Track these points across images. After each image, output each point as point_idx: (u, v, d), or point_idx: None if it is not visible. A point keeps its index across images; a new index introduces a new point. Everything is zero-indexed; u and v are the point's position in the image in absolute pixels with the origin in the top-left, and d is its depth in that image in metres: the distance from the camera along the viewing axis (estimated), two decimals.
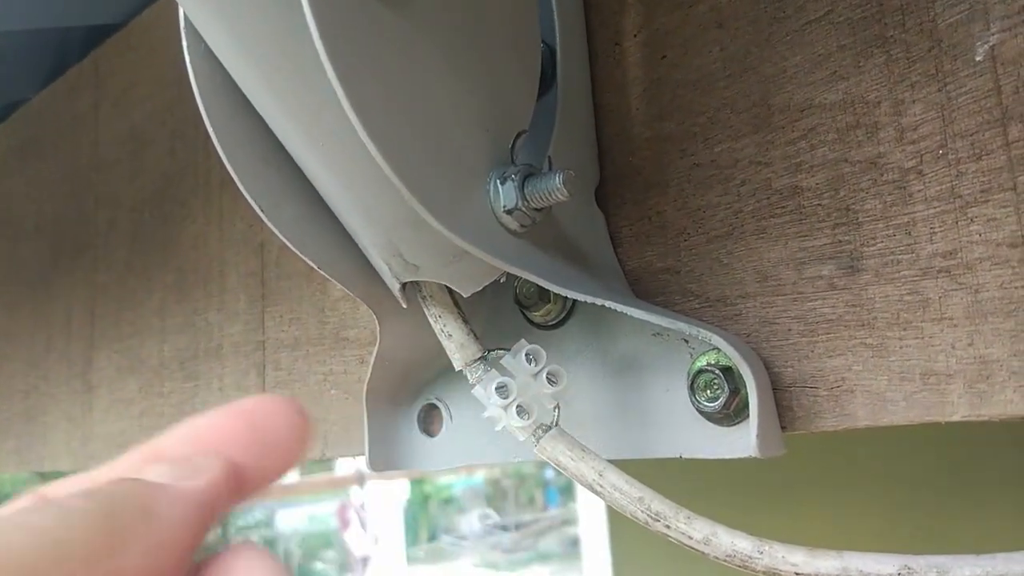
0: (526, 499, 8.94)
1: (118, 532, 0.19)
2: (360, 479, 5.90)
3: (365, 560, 6.02)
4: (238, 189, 0.65)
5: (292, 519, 7.31)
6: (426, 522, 8.31)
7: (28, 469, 0.82)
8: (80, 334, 0.77)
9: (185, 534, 0.22)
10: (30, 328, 0.85)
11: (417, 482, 7.93)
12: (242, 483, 0.24)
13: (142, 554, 0.20)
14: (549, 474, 8.87)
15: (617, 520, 2.00)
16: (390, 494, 6.30)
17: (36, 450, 0.81)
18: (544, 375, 0.39)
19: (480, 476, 8.74)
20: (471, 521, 8.41)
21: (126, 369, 0.71)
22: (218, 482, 0.23)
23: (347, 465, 6.65)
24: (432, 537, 8.29)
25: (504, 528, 8.20)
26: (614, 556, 2.03)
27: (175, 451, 0.25)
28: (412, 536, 7.52)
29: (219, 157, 0.67)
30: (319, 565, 7.44)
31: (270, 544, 7.01)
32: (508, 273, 0.41)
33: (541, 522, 8.26)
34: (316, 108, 0.33)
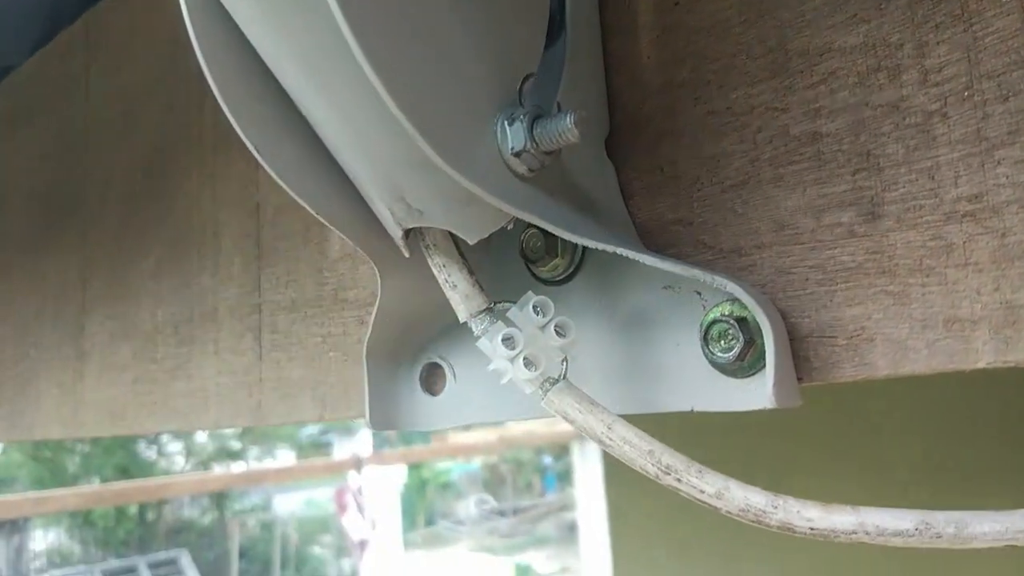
0: (524, 485, 8.97)
1: None
2: (357, 463, 5.90)
3: (363, 544, 6.03)
4: (232, 152, 0.63)
5: (289, 503, 7.33)
6: (423, 507, 8.33)
7: (18, 437, 0.80)
8: (72, 300, 0.76)
9: None
10: (21, 294, 0.83)
11: (415, 467, 7.94)
12: None
13: None
14: (547, 460, 8.90)
15: (616, 505, 2.00)
16: (387, 479, 6.30)
17: (27, 417, 0.80)
18: (552, 327, 0.38)
19: (478, 461, 8.77)
20: (468, 506, 8.43)
21: (119, 335, 0.70)
22: None
23: (345, 449, 6.66)
24: (429, 522, 8.32)
25: (501, 513, 8.23)
26: (613, 540, 2.03)
27: None
28: (409, 521, 7.54)
29: (213, 119, 0.66)
30: (317, 549, 7.46)
31: (267, 528, 7.03)
32: (514, 223, 0.40)
33: (539, 508, 8.29)
34: (317, 41, 0.32)
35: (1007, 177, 0.32)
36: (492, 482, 8.85)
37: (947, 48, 0.34)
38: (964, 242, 0.33)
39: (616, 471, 1.98)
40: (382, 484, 6.18)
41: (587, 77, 0.42)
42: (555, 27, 0.41)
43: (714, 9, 0.40)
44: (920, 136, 0.34)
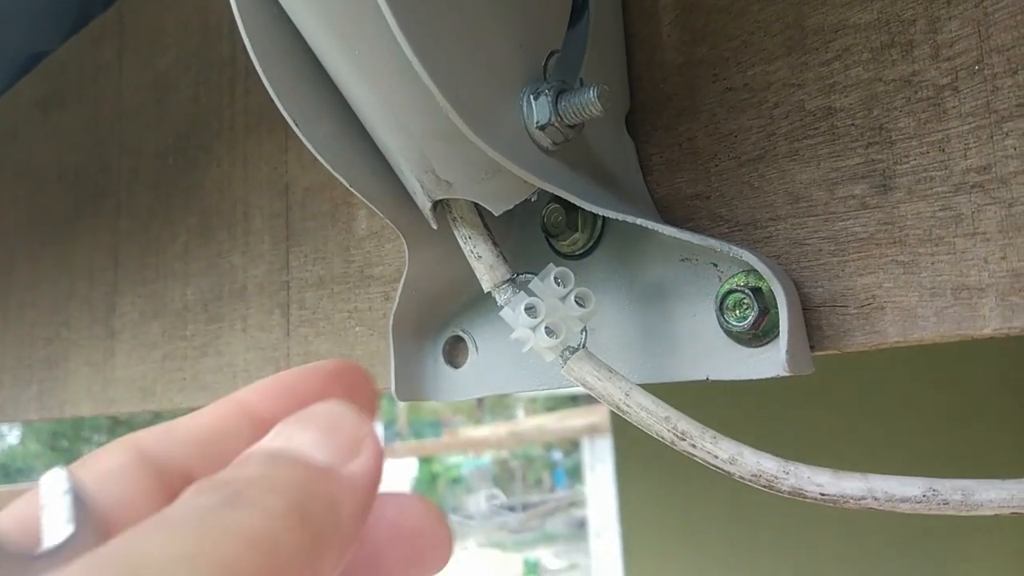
0: (533, 480, 9.00)
1: (316, 538, 0.16)
2: None
3: None
4: (263, 135, 0.65)
5: None
6: (434, 501, 8.37)
7: (49, 415, 0.83)
8: (103, 280, 0.78)
9: (358, 527, 0.18)
10: (52, 275, 0.86)
11: (425, 461, 7.98)
12: None
13: (334, 560, 0.17)
14: (557, 456, 8.92)
15: (628, 500, 2.01)
16: (398, 472, 6.34)
17: (57, 395, 0.82)
18: (572, 297, 0.39)
19: (488, 456, 8.80)
20: (478, 501, 8.47)
21: (149, 313, 0.72)
22: (379, 458, 0.19)
23: None
24: None
25: (511, 509, 8.25)
26: (624, 534, 2.04)
27: (274, 409, 0.22)
28: None
29: (244, 104, 0.67)
30: None
31: None
32: (536, 198, 0.41)
33: (548, 503, 8.31)
34: (354, 15, 0.34)
35: (1015, 148, 0.33)
36: (502, 477, 8.88)
37: (958, 23, 0.35)
38: (973, 212, 0.34)
39: (628, 465, 1.99)
40: (393, 477, 6.21)
41: (609, 55, 0.43)
42: (579, 6, 0.42)
43: None
44: (931, 110, 0.35)
